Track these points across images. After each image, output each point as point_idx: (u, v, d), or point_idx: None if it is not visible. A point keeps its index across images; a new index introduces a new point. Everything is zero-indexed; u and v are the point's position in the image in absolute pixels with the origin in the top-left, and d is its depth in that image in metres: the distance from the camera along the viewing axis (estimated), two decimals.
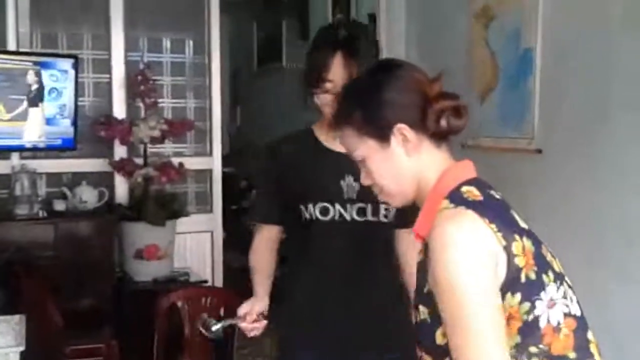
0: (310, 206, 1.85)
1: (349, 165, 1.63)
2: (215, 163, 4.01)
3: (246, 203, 5.72)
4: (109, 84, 3.83)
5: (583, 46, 2.71)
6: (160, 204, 3.55)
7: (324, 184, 1.85)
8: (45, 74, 3.47)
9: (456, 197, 1.17)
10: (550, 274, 1.15)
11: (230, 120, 7.39)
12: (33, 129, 3.48)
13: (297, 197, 1.86)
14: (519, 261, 1.11)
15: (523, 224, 1.18)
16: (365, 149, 1.28)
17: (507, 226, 1.13)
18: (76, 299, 3.36)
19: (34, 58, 3.48)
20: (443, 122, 1.23)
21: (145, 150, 3.63)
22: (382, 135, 1.26)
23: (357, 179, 1.70)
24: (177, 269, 3.76)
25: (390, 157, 1.26)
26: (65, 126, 3.56)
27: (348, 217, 1.84)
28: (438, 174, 1.24)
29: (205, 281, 3.76)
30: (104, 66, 3.84)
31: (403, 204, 1.31)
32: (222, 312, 3.17)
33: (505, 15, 3.17)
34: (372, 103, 1.27)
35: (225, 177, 6.43)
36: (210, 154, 4.03)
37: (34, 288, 3.03)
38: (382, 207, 1.83)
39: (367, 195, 1.65)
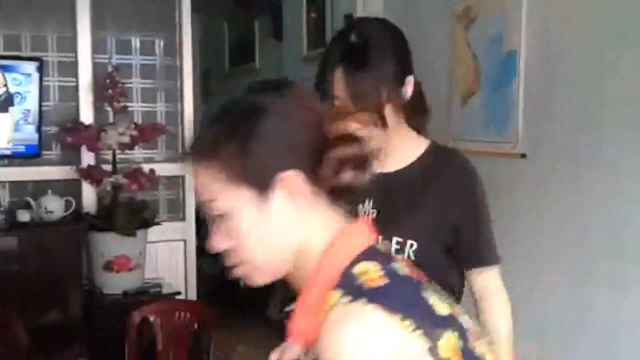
0: None
1: (376, 187, 1.45)
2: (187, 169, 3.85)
3: None
4: (76, 87, 3.67)
5: (570, 48, 2.65)
6: (130, 213, 3.40)
7: None
8: (7, 77, 3.30)
9: (349, 284, 0.85)
10: None
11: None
12: (2, 136, 3.31)
13: None
14: None
15: (443, 309, 0.87)
16: (233, 199, 0.93)
17: (427, 318, 0.84)
18: (42, 315, 3.22)
19: None
20: (345, 176, 0.94)
21: (114, 157, 3.48)
22: (262, 185, 0.93)
23: (377, 203, 1.54)
24: (149, 280, 3.62)
25: (267, 215, 0.93)
26: (29, 132, 3.39)
27: None
28: (326, 244, 0.93)
29: (178, 292, 3.62)
30: (71, 69, 3.68)
31: (264, 282, 0.97)
32: (195, 326, 3.05)
33: (487, 17, 3.10)
34: (251, 138, 0.93)
35: None
36: (182, 160, 3.89)
37: None
38: (395, 239, 1.52)
39: (381, 222, 1.39)
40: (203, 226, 5.52)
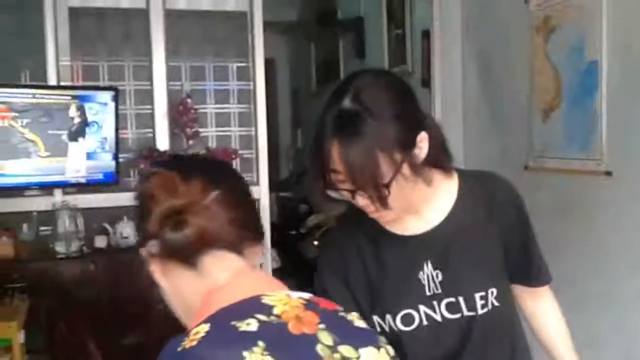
0: (389, 317, 1.42)
1: (426, 249, 1.41)
2: (262, 192, 3.84)
3: (304, 228, 5.56)
4: (152, 114, 3.74)
5: None
6: None
7: (396, 284, 1.42)
8: (84, 107, 3.39)
9: (169, 349, 0.91)
10: None
11: (292, 143, 7.27)
12: (74, 165, 3.41)
13: (367, 306, 1.44)
14: None
15: None
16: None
17: None
18: (119, 339, 3.24)
19: (72, 92, 3.42)
20: (156, 245, 1.00)
21: None
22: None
23: (438, 264, 1.41)
24: None
25: (157, 281, 1.09)
26: (106, 160, 3.48)
27: (439, 318, 1.42)
28: (199, 310, 0.98)
29: None
30: (147, 97, 3.76)
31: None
32: None
33: (567, 26, 2.92)
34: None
35: (284, 201, 6.33)
36: (257, 183, 3.87)
37: (75, 329, 2.95)
38: (478, 295, 1.41)
39: (455, 283, 1.41)
40: (289, 244, 5.51)
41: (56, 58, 3.55)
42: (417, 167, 1.32)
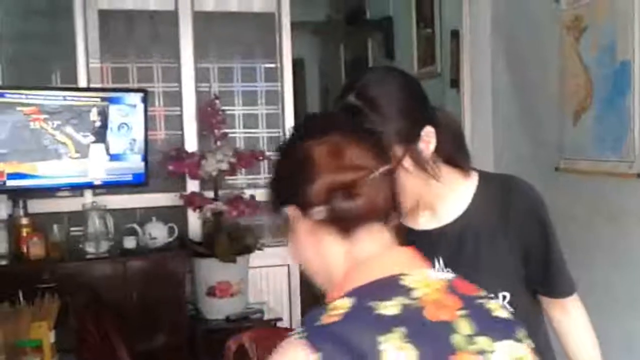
0: None
1: (437, 245, 1.41)
2: None
3: None
4: (180, 116, 3.76)
5: None
6: (231, 239, 3.42)
7: None
8: (113, 108, 3.43)
9: (308, 320, 0.91)
10: None
11: None
12: (102, 166, 3.45)
13: None
14: None
15: (395, 355, 0.85)
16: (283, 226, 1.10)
17: (345, 352, 0.85)
18: (148, 340, 3.28)
19: (101, 94, 3.45)
20: (322, 210, 0.98)
21: (215, 184, 3.52)
22: (283, 216, 1.06)
23: (449, 261, 1.40)
24: (252, 305, 3.63)
25: (296, 241, 1.05)
26: (135, 161, 3.51)
27: None
28: (341, 276, 0.99)
29: (280, 319, 3.59)
30: (175, 98, 3.78)
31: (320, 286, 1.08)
32: None
33: (599, 25, 2.85)
34: (272, 181, 1.09)
35: None
36: None
37: (104, 330, 2.97)
38: (501, 294, 1.40)
39: (473, 281, 1.32)
40: None
41: (86, 60, 3.60)
42: (420, 162, 1.33)
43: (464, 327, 0.91)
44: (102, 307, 3.11)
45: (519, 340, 0.95)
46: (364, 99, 1.30)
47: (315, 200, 0.98)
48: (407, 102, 1.34)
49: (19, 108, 3.22)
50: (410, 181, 1.32)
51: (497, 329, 0.94)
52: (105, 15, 3.67)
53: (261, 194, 3.64)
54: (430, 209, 1.43)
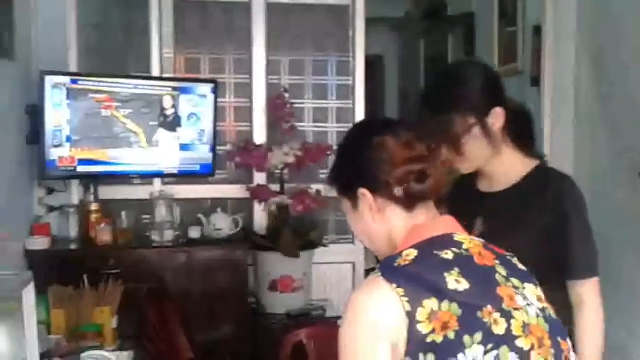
0: None
1: (484, 203, 1.81)
2: None
3: None
4: (250, 108, 3.75)
5: None
6: (296, 234, 3.37)
7: (460, 223, 1.70)
8: (183, 99, 3.44)
9: (386, 264, 1.21)
10: (479, 335, 1.14)
11: None
12: (169, 155, 3.47)
13: None
14: (422, 327, 1.13)
15: (455, 286, 1.17)
16: (344, 208, 1.36)
17: (421, 291, 1.15)
18: (208, 331, 3.26)
19: (172, 84, 3.46)
20: (400, 190, 1.26)
21: (281, 177, 3.48)
22: (351, 197, 1.31)
23: (485, 219, 1.77)
24: (315, 302, 3.58)
25: (360, 217, 1.32)
26: (204, 152, 3.51)
27: None
28: (403, 237, 1.28)
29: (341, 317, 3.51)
30: (246, 90, 3.77)
31: (380, 255, 1.34)
32: None
33: None
34: (344, 167, 1.35)
35: None
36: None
37: (165, 319, 2.98)
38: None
39: (493, 239, 1.65)
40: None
41: (160, 50, 3.63)
42: (487, 132, 1.70)
43: (501, 270, 1.24)
44: (165, 295, 3.12)
45: (536, 285, 1.28)
46: (451, 79, 1.75)
47: (395, 182, 1.26)
48: (484, 83, 1.73)
49: (91, 95, 3.26)
50: (476, 148, 1.71)
51: (522, 275, 1.27)
52: (180, 6, 3.70)
53: (328, 190, 3.57)
54: (489, 176, 1.81)
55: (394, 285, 1.14)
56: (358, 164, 1.29)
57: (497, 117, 1.70)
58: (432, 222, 1.29)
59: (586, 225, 1.75)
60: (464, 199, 1.83)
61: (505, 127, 1.73)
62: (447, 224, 1.30)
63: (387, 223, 1.29)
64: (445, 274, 1.17)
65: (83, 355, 2.19)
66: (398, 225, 1.29)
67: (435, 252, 1.21)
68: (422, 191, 1.27)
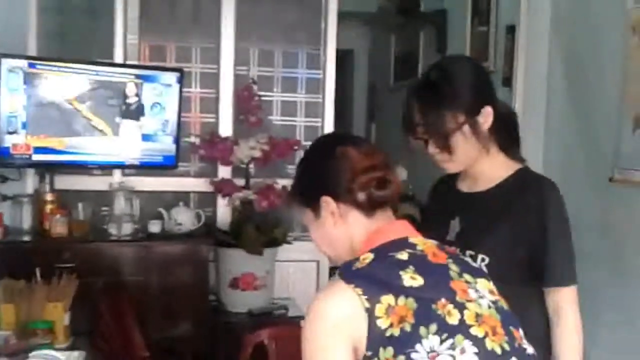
0: None
1: (463, 203, 1.82)
2: None
3: None
4: (216, 99, 3.65)
5: None
6: (259, 230, 3.29)
7: (436, 223, 1.85)
8: (147, 87, 3.34)
9: (345, 267, 1.28)
10: (434, 326, 1.21)
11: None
12: (131, 146, 3.36)
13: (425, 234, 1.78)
14: (381, 322, 1.20)
15: (410, 282, 1.24)
16: (306, 219, 1.42)
17: (378, 288, 1.22)
18: (165, 329, 3.18)
19: (136, 71, 3.35)
20: (362, 195, 1.34)
21: (247, 171, 3.39)
22: (314, 207, 1.38)
23: (462, 219, 1.79)
24: (277, 300, 3.50)
25: (322, 225, 1.38)
26: (167, 143, 3.41)
27: None
28: (363, 241, 1.36)
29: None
30: (213, 80, 3.67)
31: (338, 264, 1.39)
32: None
33: None
34: (309, 177, 1.42)
35: None
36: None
37: (120, 315, 2.88)
38: (481, 256, 1.72)
39: (468, 239, 1.75)
40: None
41: (124, 36, 3.52)
42: (476, 131, 1.70)
43: (454, 267, 1.32)
44: (120, 291, 3.03)
45: (489, 280, 1.36)
46: (443, 74, 1.72)
47: (358, 188, 1.34)
48: (475, 81, 1.74)
49: (49, 80, 3.14)
50: (464, 147, 1.70)
51: (473, 271, 1.36)
52: None
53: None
54: (471, 176, 1.80)
55: (352, 286, 1.22)
56: (322, 173, 1.37)
57: (487, 116, 1.71)
58: (389, 226, 1.37)
59: (566, 232, 1.73)
60: (443, 197, 1.90)
61: (492, 128, 1.72)
62: (403, 228, 1.38)
63: (348, 228, 1.37)
64: (401, 272, 1.25)
65: (31, 354, 2.10)
66: (359, 229, 1.37)
67: (390, 253, 1.29)
68: (383, 196, 1.35)
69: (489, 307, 1.29)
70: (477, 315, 1.25)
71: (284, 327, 3.14)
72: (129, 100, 3.32)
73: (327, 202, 1.35)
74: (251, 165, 3.41)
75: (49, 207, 3.22)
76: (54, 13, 3.51)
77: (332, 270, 3.70)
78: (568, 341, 1.71)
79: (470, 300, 1.27)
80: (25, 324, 2.33)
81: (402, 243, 1.32)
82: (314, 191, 1.37)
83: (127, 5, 3.52)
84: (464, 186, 1.83)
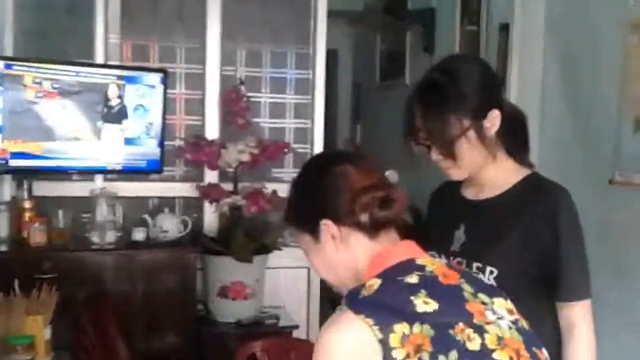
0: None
1: (468, 211, 1.72)
2: None
3: None
4: (202, 100, 3.56)
5: None
6: (249, 237, 3.19)
7: (439, 232, 1.77)
8: (130, 88, 3.23)
9: (350, 296, 1.21)
10: (453, 354, 1.13)
11: (350, 138, 7.03)
12: (113, 150, 3.26)
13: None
14: (397, 353, 1.11)
15: (424, 307, 1.16)
16: (303, 244, 1.35)
17: (390, 317, 1.13)
18: (151, 340, 3.09)
19: (117, 72, 3.25)
20: (365, 217, 1.27)
21: (235, 175, 3.29)
22: (312, 231, 1.30)
23: (468, 229, 1.70)
24: (268, 308, 3.42)
25: (321, 250, 1.30)
26: (151, 147, 3.30)
27: None
28: (367, 265, 1.28)
29: (297, 326, 3.36)
30: (198, 81, 3.58)
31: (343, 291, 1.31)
32: None
33: None
34: (304, 200, 1.34)
35: None
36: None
37: (103, 326, 2.78)
38: (489, 268, 1.63)
39: (475, 249, 1.66)
40: None
41: (105, 35, 3.41)
42: (482, 136, 1.60)
43: (467, 287, 1.23)
44: (104, 302, 2.92)
45: (506, 298, 1.27)
46: (448, 75, 1.61)
47: (359, 209, 1.26)
48: (482, 83, 1.63)
49: (27, 82, 3.02)
50: (470, 153, 1.62)
51: (489, 290, 1.27)
52: None
53: (284, 190, 3.40)
54: (477, 183, 1.71)
55: (362, 316, 1.13)
56: (320, 195, 1.30)
57: (494, 120, 1.62)
58: (394, 247, 1.30)
59: (580, 242, 1.66)
60: (447, 206, 1.81)
61: (500, 131, 1.63)
62: (409, 249, 1.30)
63: (351, 252, 1.29)
64: (412, 297, 1.17)
65: None
66: (363, 253, 1.29)
67: (399, 278, 1.21)
68: (387, 217, 1.28)
69: (510, 327, 1.21)
70: (499, 339, 1.18)
71: (277, 339, 3.07)
72: (111, 103, 3.21)
73: (327, 226, 1.27)
74: (239, 169, 3.31)
75: (27, 215, 3.11)
76: (32, 11, 3.40)
77: (327, 292, 3.63)
78: (576, 353, 1.65)
79: (489, 323, 1.19)
80: (4, 339, 2.25)
81: (410, 265, 1.25)
82: (312, 214, 1.29)
83: (108, 3, 3.41)
84: (469, 193, 1.74)
